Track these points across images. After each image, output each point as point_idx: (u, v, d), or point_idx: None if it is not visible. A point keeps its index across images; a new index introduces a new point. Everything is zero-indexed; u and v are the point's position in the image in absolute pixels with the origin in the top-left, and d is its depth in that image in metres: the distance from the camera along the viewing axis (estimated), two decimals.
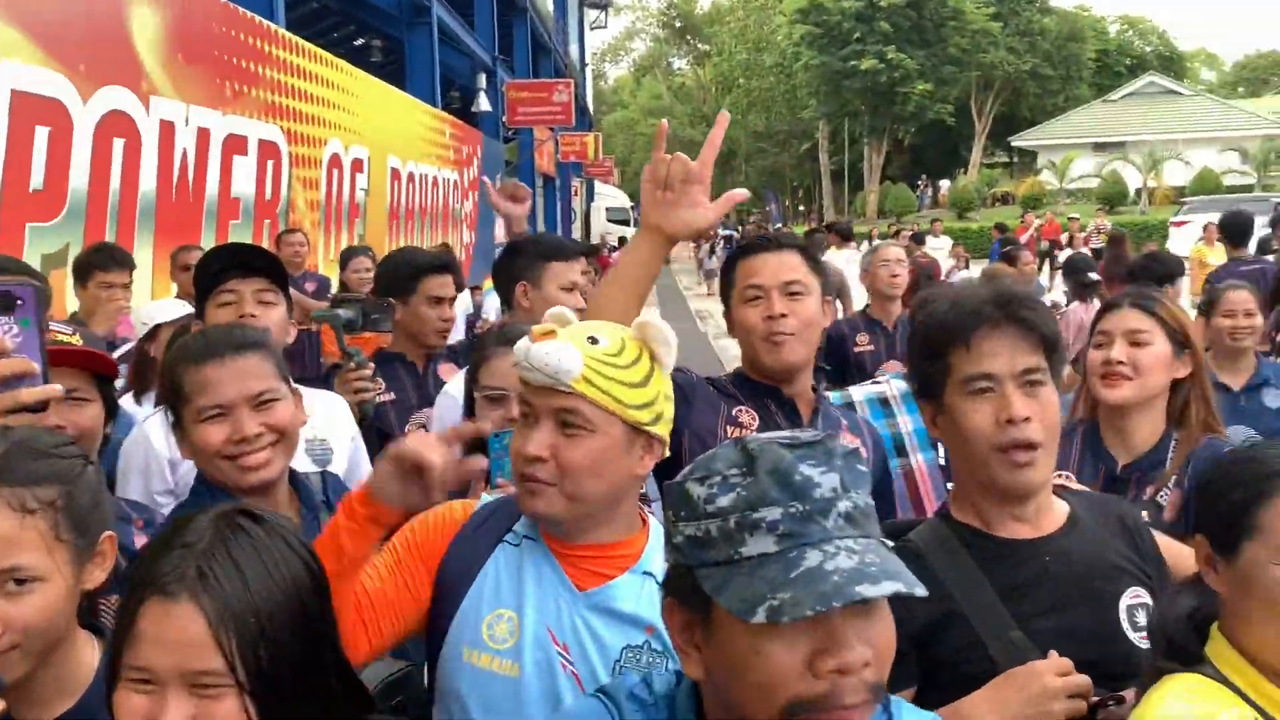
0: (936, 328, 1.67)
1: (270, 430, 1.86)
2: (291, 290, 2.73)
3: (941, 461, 2.65)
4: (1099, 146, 41.92)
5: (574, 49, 28.85)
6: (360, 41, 17.05)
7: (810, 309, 2.29)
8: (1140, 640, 1.62)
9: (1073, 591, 1.62)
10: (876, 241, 8.04)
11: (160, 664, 1.11)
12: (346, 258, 6.92)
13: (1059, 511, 1.71)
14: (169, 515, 1.97)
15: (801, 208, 60.71)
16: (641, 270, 1.95)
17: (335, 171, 9.28)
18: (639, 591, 1.56)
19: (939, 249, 14.77)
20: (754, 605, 1.00)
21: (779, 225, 28.10)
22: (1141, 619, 1.64)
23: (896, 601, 1.57)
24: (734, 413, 2.29)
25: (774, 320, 2.25)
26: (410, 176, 12.13)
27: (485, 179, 13.81)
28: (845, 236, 12.21)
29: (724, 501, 1.06)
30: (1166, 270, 5.44)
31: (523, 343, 1.55)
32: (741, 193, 2.04)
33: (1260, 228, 8.64)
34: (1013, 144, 48.11)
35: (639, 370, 1.55)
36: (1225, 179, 36.30)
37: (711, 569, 1.06)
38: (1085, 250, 14.25)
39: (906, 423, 2.70)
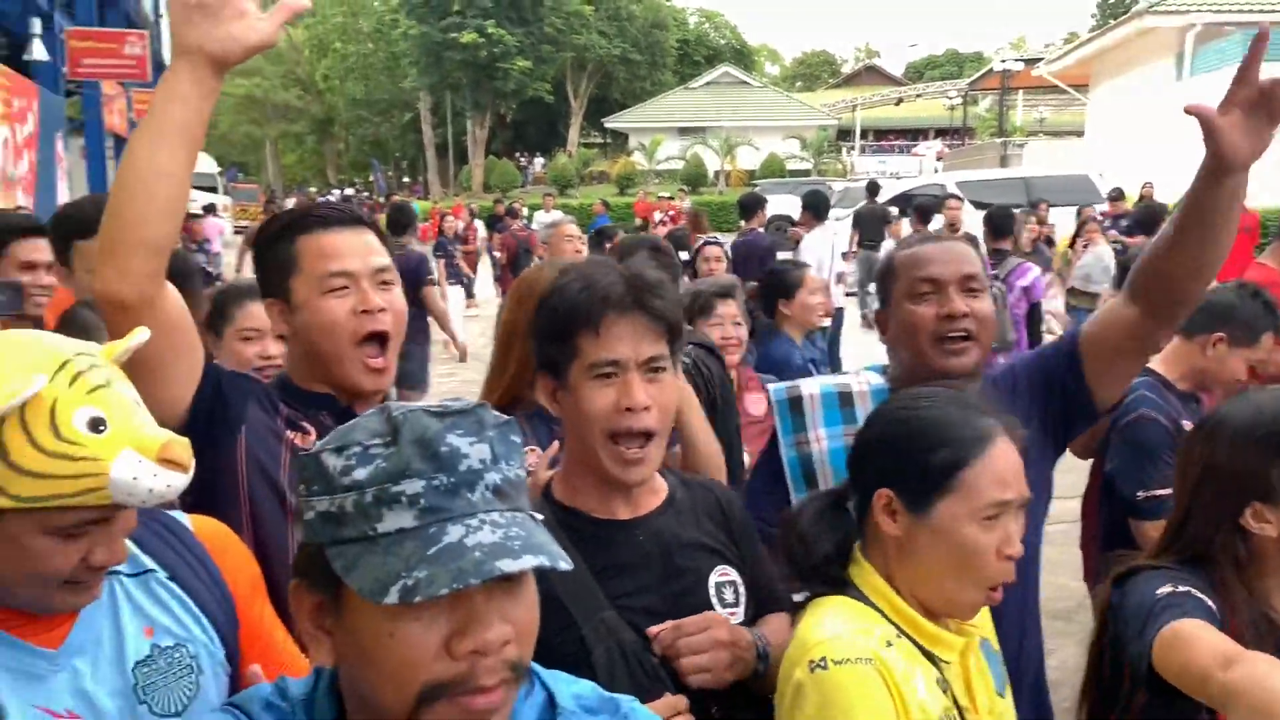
0: (567, 309, 1.64)
1: None
2: None
3: None
4: (683, 130, 45.06)
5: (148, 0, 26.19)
6: None
7: (403, 302, 1.92)
8: (729, 616, 1.69)
9: (664, 571, 1.67)
10: (551, 215, 7.89)
11: None
12: None
13: (658, 491, 1.75)
14: None
15: (406, 179, 59.74)
16: (185, 111, 1.55)
17: None
18: (106, 606, 1.37)
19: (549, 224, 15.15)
20: (386, 585, 0.94)
21: (384, 196, 27.35)
22: (729, 595, 1.71)
23: None
24: (291, 416, 1.87)
25: (372, 316, 1.84)
26: None
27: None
28: (819, 212, 9.39)
29: (362, 474, 0.98)
30: None
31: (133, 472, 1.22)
32: (302, 1, 1.64)
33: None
34: (606, 125, 50.44)
35: None
36: (788, 164, 40.54)
37: (344, 547, 0.99)
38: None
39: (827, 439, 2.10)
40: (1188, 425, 2.80)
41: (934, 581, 1.56)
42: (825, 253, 8.81)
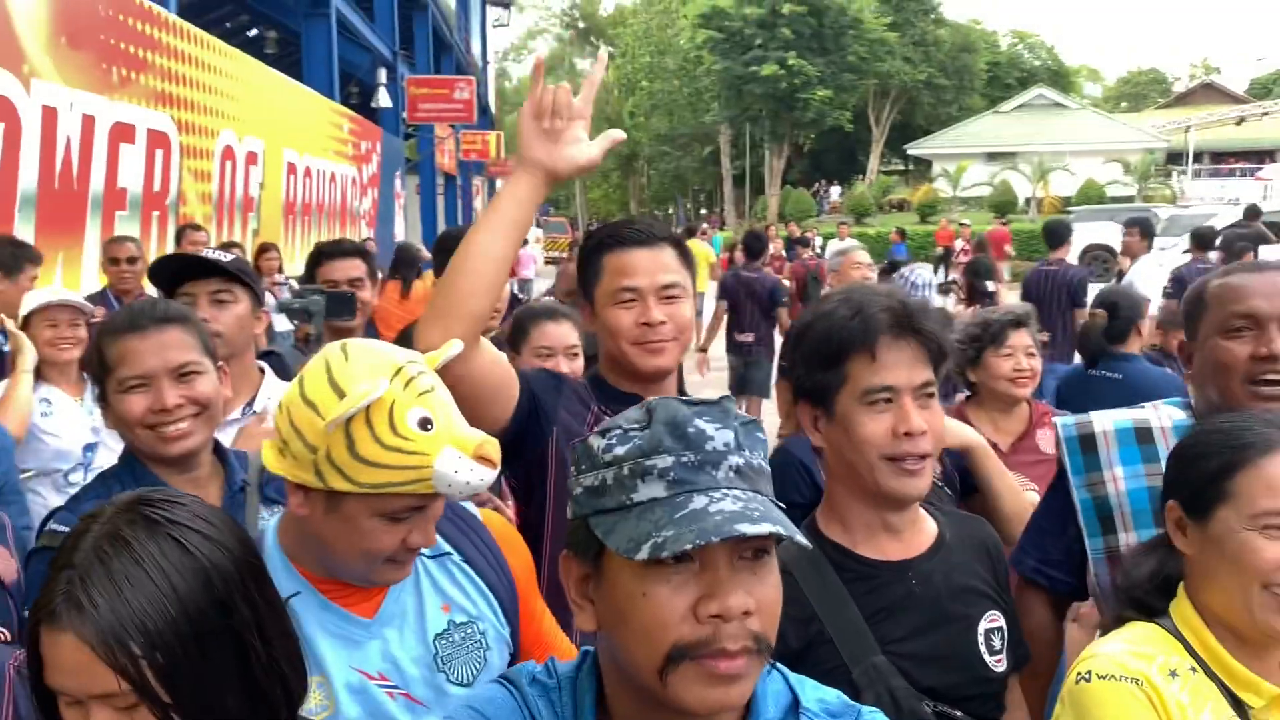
0: (837, 336, 1.64)
1: (191, 402, 1.91)
2: None
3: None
4: (991, 156, 43.24)
5: (476, 46, 28.56)
6: (254, 32, 16.63)
7: (687, 313, 2.10)
8: (995, 664, 1.68)
9: (935, 616, 1.65)
10: (844, 243, 8.21)
11: (68, 687, 1.10)
12: None
13: (928, 532, 1.72)
14: (90, 488, 1.99)
15: (703, 211, 61.24)
16: (519, 210, 1.85)
17: (228, 163, 9.00)
18: (411, 583, 1.53)
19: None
20: (639, 543, 1.03)
21: (683, 227, 28.45)
22: (997, 642, 1.69)
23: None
24: (599, 413, 2.07)
25: (651, 328, 2.04)
26: (307, 170, 11.84)
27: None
28: (1148, 232, 8.90)
29: (620, 450, 1.09)
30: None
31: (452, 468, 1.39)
32: (619, 134, 1.96)
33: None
34: (908, 152, 49.30)
35: None
36: (1108, 189, 37.82)
37: (604, 516, 1.09)
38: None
39: (1145, 477, 1.90)
40: None
41: (1228, 598, 1.50)
42: (1155, 283, 8.07)
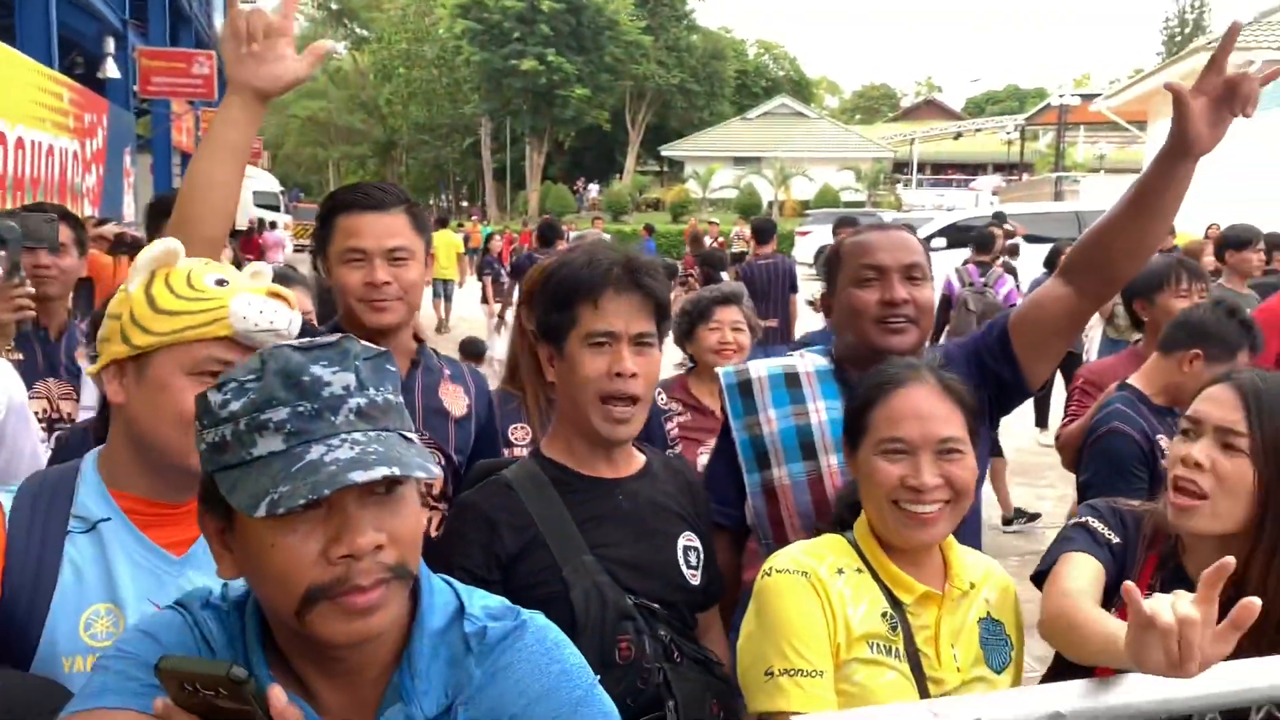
0: (569, 282, 1.83)
1: None
2: None
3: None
4: (738, 160, 45.18)
5: (219, 20, 26.97)
6: None
7: (413, 276, 2.21)
8: (691, 577, 1.89)
9: (638, 528, 1.86)
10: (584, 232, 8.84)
11: None
12: None
13: (637, 460, 1.95)
14: None
15: (465, 203, 60.58)
16: (236, 133, 1.89)
17: None
18: None
19: None
20: (258, 500, 1.04)
21: (438, 218, 28.14)
22: (693, 559, 1.91)
23: (490, 533, 1.78)
24: None
25: (376, 288, 2.16)
26: (19, 142, 10.89)
27: None
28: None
29: (236, 406, 1.09)
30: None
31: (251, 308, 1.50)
32: (329, 44, 2.02)
33: None
34: (663, 153, 50.75)
35: None
36: (842, 195, 40.44)
37: (227, 472, 1.10)
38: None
39: (820, 411, 2.13)
40: (1162, 439, 2.84)
41: (872, 514, 1.76)
42: None
